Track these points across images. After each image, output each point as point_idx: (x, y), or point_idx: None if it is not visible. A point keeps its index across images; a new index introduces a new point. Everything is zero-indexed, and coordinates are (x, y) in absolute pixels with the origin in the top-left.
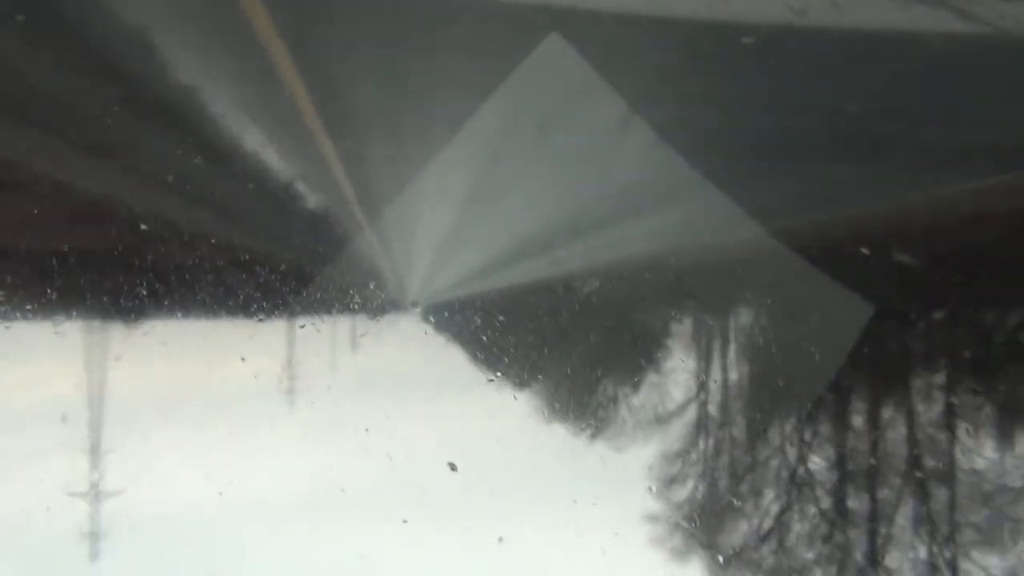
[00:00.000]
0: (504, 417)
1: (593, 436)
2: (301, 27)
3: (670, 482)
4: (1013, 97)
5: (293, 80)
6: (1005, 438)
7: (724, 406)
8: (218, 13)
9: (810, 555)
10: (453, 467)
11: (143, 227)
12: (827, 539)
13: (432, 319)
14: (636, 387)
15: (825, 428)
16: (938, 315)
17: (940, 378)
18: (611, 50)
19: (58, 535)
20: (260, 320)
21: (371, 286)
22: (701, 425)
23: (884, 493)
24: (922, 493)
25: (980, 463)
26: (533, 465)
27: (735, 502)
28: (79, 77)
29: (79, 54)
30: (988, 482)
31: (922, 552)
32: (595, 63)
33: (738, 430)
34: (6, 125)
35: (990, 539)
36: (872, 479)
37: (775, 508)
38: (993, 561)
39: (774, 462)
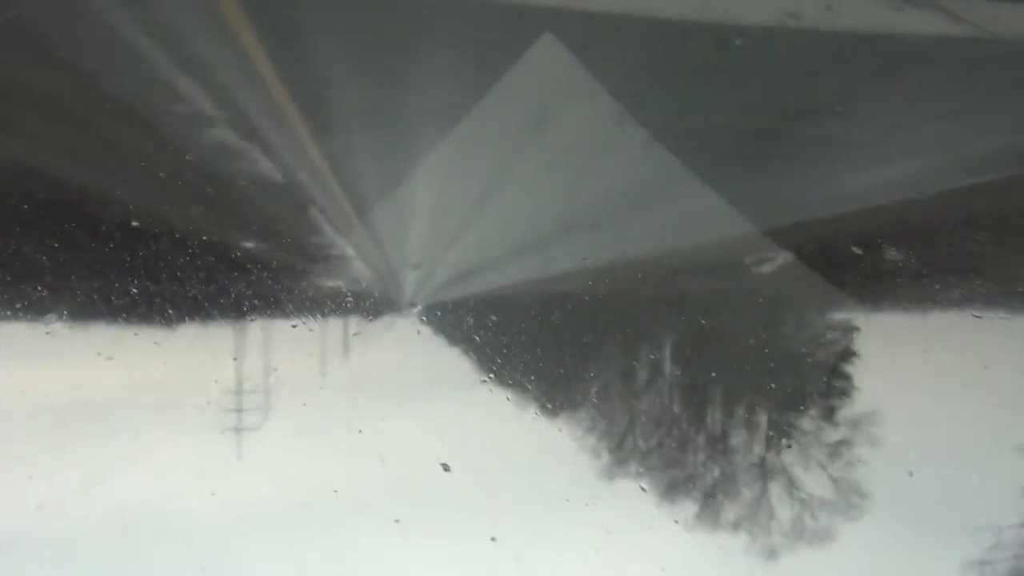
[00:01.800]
0: (497, 417)
1: (586, 437)
2: (287, 25)
3: (663, 482)
4: (1005, 98)
5: (275, 81)
6: (1001, 435)
7: (719, 405)
8: (199, 15)
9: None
10: (446, 467)
11: (134, 224)
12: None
13: (425, 319)
14: (629, 387)
15: (820, 425)
16: (933, 315)
17: (936, 377)
18: (604, 51)
19: (47, 538)
20: (252, 319)
21: (363, 285)
22: (696, 425)
23: (879, 490)
24: (914, 491)
25: (976, 461)
26: (526, 465)
27: (723, 500)
28: (69, 77)
29: (69, 53)
30: (982, 481)
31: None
32: (588, 64)
33: (734, 430)
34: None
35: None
36: (868, 475)
37: (773, 504)
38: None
39: (769, 458)
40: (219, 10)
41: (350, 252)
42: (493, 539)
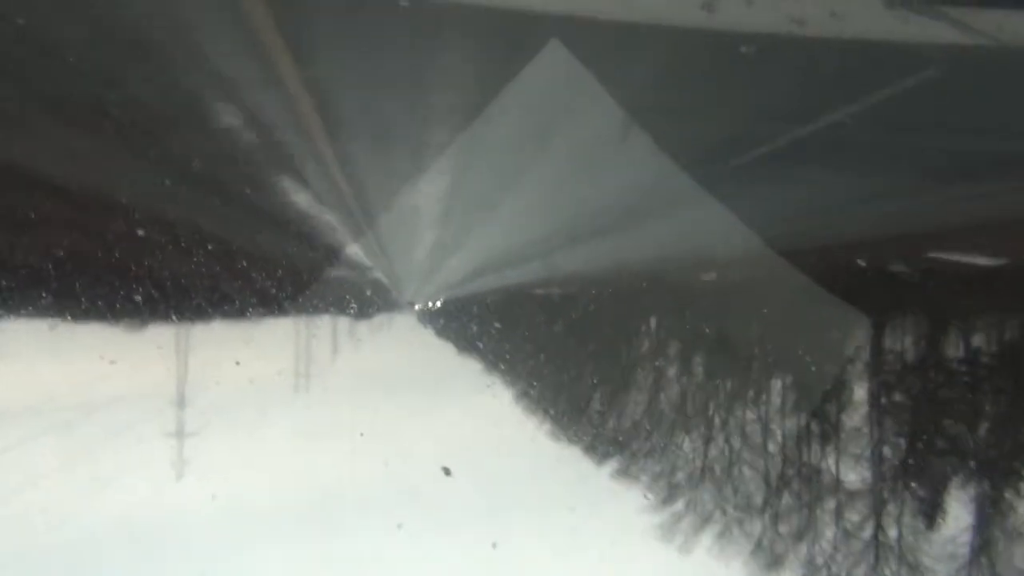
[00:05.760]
0: (500, 423)
1: (590, 444)
2: (302, 33)
3: (667, 490)
4: (1011, 108)
5: (295, 85)
6: (1002, 445)
7: (720, 415)
8: (220, 17)
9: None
10: (447, 472)
11: (140, 232)
12: (815, 541)
13: (429, 325)
14: (632, 396)
15: (823, 436)
16: (935, 325)
17: (937, 387)
18: (610, 58)
19: (50, 540)
20: (256, 324)
21: (368, 292)
22: (699, 434)
23: (880, 496)
24: (916, 498)
25: (976, 468)
26: (529, 472)
27: (729, 510)
28: (78, 81)
29: (79, 58)
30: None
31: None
32: (594, 71)
33: (735, 436)
34: (5, 128)
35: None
36: (869, 484)
37: (773, 514)
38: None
39: (771, 468)
40: (244, 14)
41: (356, 258)
42: (494, 545)
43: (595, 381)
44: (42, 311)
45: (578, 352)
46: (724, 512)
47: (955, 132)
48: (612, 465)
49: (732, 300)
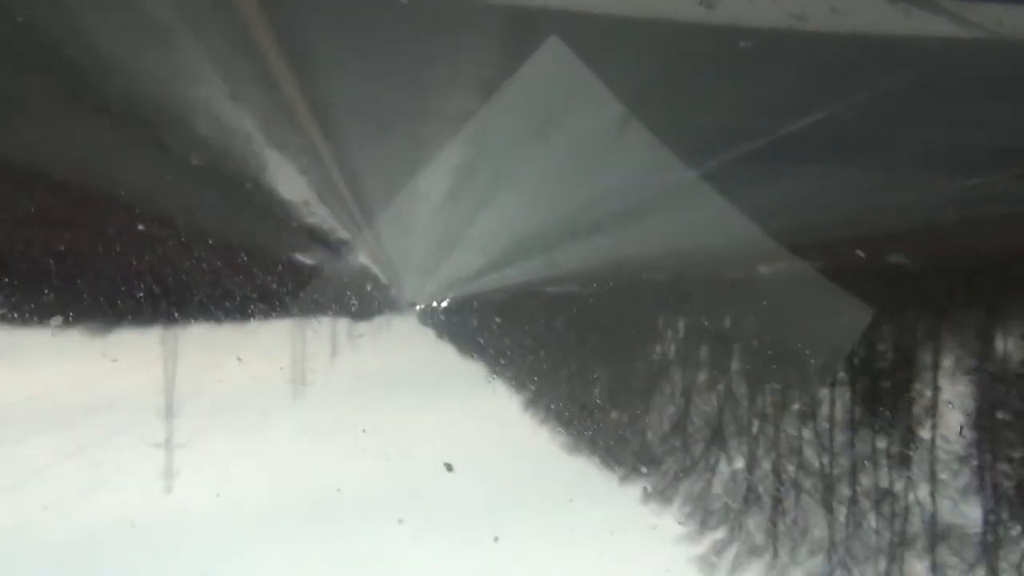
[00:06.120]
0: (501, 418)
1: (590, 438)
2: (299, 29)
3: (666, 483)
4: (1010, 100)
5: (290, 82)
6: (1001, 438)
7: (720, 409)
8: (216, 16)
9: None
10: (449, 467)
11: (140, 228)
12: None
13: (429, 321)
14: (633, 390)
15: (822, 431)
16: (936, 317)
17: (938, 381)
18: (609, 53)
19: (51, 539)
20: (257, 322)
21: (368, 288)
22: (698, 428)
23: (878, 493)
24: (914, 493)
25: (975, 464)
26: (530, 466)
27: (729, 504)
28: (77, 78)
29: (78, 54)
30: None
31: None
32: (592, 66)
33: (735, 434)
34: (5, 124)
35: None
36: (868, 480)
37: (770, 512)
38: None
39: (768, 465)
40: (239, 12)
41: (355, 256)
42: (496, 539)
43: (595, 375)
44: (44, 308)
45: (578, 346)
46: (775, 541)
47: (955, 125)
48: (612, 458)
49: (732, 292)
